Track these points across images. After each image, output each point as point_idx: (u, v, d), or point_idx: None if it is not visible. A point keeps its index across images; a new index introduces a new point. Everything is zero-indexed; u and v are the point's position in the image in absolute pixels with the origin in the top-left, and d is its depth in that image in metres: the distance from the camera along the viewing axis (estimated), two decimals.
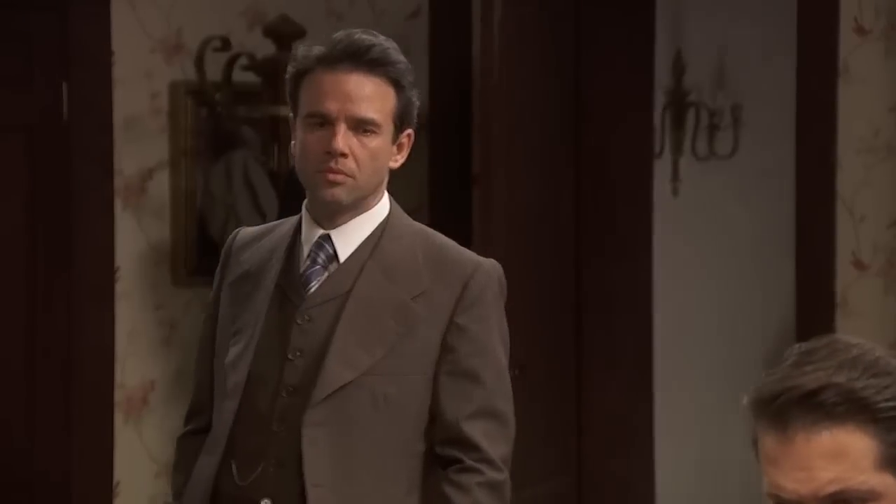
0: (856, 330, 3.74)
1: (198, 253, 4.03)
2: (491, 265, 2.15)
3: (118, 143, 3.94)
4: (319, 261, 2.15)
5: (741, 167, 4.40)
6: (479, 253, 2.21)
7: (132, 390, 3.99)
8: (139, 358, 3.99)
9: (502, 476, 2.10)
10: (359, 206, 2.14)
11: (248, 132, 4.00)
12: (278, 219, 3.82)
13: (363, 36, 2.12)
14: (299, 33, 3.87)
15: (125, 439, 3.97)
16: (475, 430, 2.09)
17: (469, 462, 2.08)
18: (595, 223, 4.31)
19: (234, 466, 2.13)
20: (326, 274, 2.13)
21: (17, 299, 3.85)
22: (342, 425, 2.08)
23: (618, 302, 4.33)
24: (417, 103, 2.15)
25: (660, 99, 4.43)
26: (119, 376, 3.96)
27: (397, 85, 2.11)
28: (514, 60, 3.78)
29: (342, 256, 2.13)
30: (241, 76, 3.94)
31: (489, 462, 2.09)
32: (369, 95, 2.09)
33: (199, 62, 3.89)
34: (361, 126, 2.09)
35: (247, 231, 2.29)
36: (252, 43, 4.03)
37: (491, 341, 2.12)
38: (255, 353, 2.14)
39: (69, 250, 3.89)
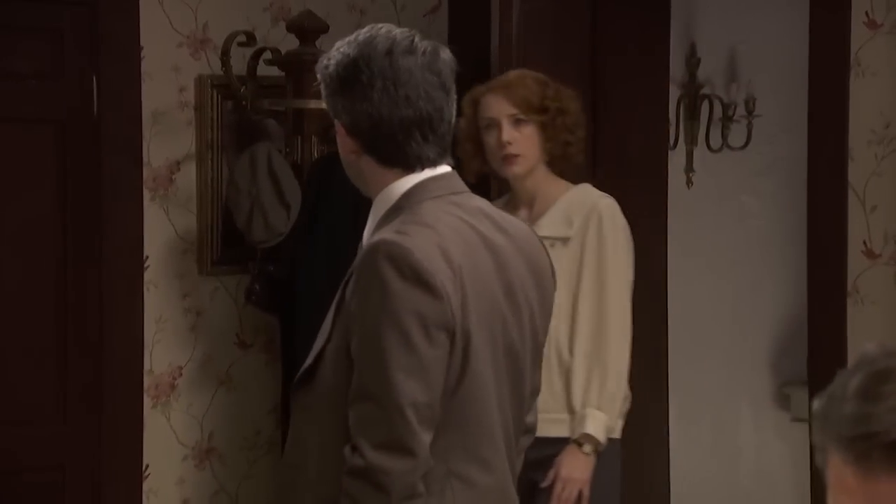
0: (866, 319, 3.79)
1: (223, 243, 4.11)
2: (374, 245, 2.06)
3: (146, 136, 4.01)
4: (359, 250, 2.24)
5: (754, 158, 4.45)
6: None
7: (160, 376, 4.07)
8: (167, 345, 4.07)
9: (362, 462, 2.00)
10: (372, 199, 2.22)
11: (272, 125, 4.06)
12: (301, 211, 3.93)
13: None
14: (322, 28, 3.95)
15: (154, 424, 4.05)
16: (351, 416, 2.04)
17: (344, 449, 2.05)
18: None
19: None
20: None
21: (49, 288, 3.92)
22: (305, 411, 2.15)
23: (633, 290, 4.38)
24: (336, 99, 2.16)
25: (674, 92, 4.48)
26: (147, 362, 4.04)
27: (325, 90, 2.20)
28: (531, 54, 3.83)
29: (364, 243, 2.21)
30: (265, 70, 4.01)
31: (354, 448, 2.02)
32: None
33: (225, 57, 3.96)
34: None
35: None
36: (276, 38, 4.11)
37: (363, 323, 2.03)
38: None
39: (99, 240, 3.95)
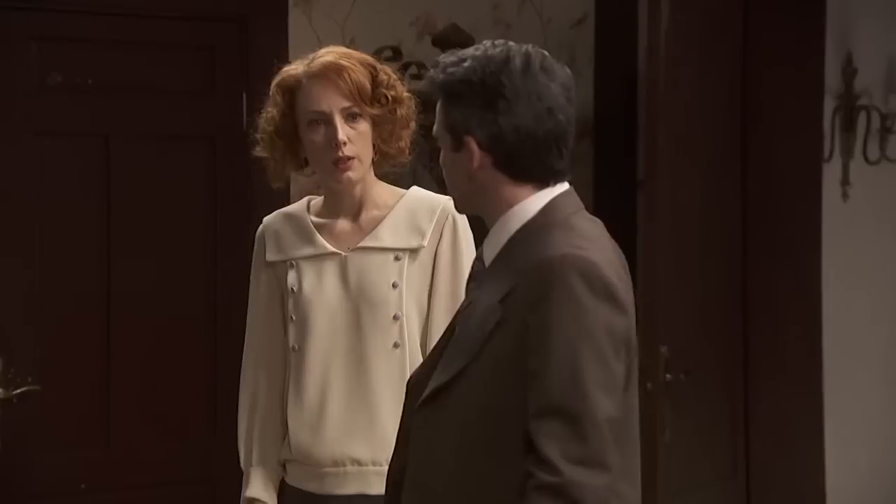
0: None
1: None
2: (565, 259, 2.06)
3: None
4: (476, 267, 2.23)
5: None
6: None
7: None
8: None
9: (558, 478, 1.98)
10: (488, 216, 2.19)
11: (417, 139, 4.07)
12: None
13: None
14: (468, 42, 3.94)
15: None
16: (536, 430, 2.01)
17: (527, 464, 2.02)
18: (763, 227, 4.29)
19: None
20: (475, 281, 2.21)
21: (199, 301, 3.99)
22: (439, 428, 2.12)
23: (786, 305, 4.30)
24: (472, 112, 2.14)
25: (829, 103, 4.39)
26: None
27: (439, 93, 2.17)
28: (680, 65, 3.79)
29: (486, 263, 2.19)
30: (411, 85, 4.02)
31: (544, 463, 1.99)
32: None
33: None
34: None
35: None
36: (422, 52, 4.13)
37: (555, 337, 2.02)
38: (428, 359, 2.26)
39: (248, 255, 4.01)
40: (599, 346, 2.02)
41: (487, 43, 2.18)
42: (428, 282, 2.70)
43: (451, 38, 3.97)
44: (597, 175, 4.37)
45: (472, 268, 2.25)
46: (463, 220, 2.74)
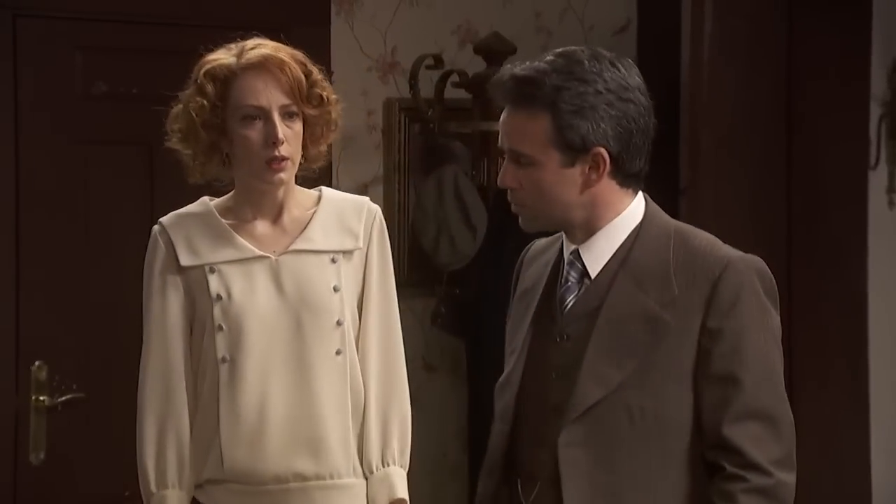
0: None
1: (410, 265, 4.14)
2: (745, 261, 2.11)
3: (335, 159, 4.06)
4: (572, 278, 2.17)
5: None
6: None
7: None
8: None
9: (772, 480, 2.04)
10: (582, 226, 2.15)
11: (459, 147, 4.08)
12: (487, 234, 3.94)
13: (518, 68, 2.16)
14: (510, 50, 3.95)
15: None
16: (736, 434, 2.05)
17: (731, 469, 2.04)
18: (808, 235, 4.25)
19: (519, 486, 2.18)
20: (579, 290, 2.17)
21: None
22: (600, 443, 2.09)
23: (831, 314, 4.27)
24: (600, 124, 2.10)
25: (875, 110, 4.36)
26: None
27: (552, 109, 2.10)
28: (724, 73, 3.77)
29: (592, 272, 2.15)
30: (452, 93, 4.04)
31: (754, 467, 2.04)
32: (517, 129, 2.13)
33: (413, 80, 4.00)
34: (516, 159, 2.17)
35: (538, 244, 2.31)
36: (464, 60, 4.13)
37: (749, 340, 2.07)
38: (524, 374, 2.19)
39: None
40: (780, 348, 2.10)
41: (572, 51, 2.12)
42: (360, 284, 2.56)
43: (493, 47, 3.97)
44: None
45: (568, 276, 2.18)
46: (384, 224, 2.63)
